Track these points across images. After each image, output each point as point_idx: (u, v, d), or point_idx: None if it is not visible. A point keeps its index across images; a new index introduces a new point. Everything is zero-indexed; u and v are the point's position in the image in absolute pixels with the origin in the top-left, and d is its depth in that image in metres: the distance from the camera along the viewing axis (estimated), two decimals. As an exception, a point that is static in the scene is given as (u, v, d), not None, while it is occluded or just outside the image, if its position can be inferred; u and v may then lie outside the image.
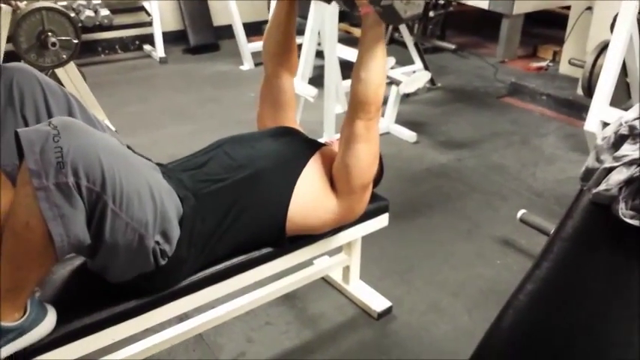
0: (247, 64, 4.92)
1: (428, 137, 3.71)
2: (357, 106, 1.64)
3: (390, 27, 5.28)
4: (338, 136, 1.92)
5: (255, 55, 4.90)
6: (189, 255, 1.51)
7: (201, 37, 5.29)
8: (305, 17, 3.48)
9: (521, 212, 2.62)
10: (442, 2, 4.97)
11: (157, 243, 1.40)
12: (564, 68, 4.56)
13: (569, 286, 1.18)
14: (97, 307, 1.48)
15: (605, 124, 2.72)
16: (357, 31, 5.70)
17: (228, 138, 1.84)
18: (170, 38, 5.19)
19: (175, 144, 3.28)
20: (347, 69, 4.27)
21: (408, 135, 3.66)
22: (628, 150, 1.20)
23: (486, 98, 4.43)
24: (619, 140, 1.24)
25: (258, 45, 5.11)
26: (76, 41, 2.90)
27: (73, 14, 3.85)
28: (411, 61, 4.47)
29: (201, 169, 1.66)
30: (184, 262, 1.51)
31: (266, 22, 5.58)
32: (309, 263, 2.17)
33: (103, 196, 1.24)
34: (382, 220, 2.07)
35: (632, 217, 1.14)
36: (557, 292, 1.19)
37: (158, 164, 1.63)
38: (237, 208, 1.58)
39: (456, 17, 5.68)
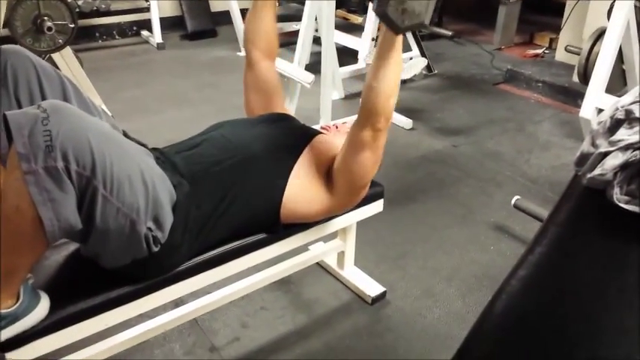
0: (244, 51, 4.89)
1: (424, 124, 3.72)
2: (366, 114, 1.58)
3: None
4: (332, 122, 1.93)
5: (251, 41, 4.88)
6: (183, 241, 1.51)
7: (198, 23, 5.27)
8: (302, 3, 3.46)
9: (515, 198, 2.64)
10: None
11: (150, 229, 1.39)
12: (560, 55, 4.56)
13: (562, 271, 1.18)
14: (91, 292, 1.48)
15: (601, 111, 2.73)
16: (354, 18, 5.67)
17: (224, 122, 1.84)
18: (168, 24, 5.17)
19: (173, 129, 3.27)
20: (344, 55, 4.27)
21: (404, 121, 3.66)
22: (624, 134, 1.20)
23: (482, 85, 4.43)
24: (615, 125, 1.24)
25: (254, 31, 5.10)
26: (72, 26, 2.88)
27: (68, -1, 3.82)
28: (408, 48, 4.46)
29: (196, 151, 1.66)
30: (178, 248, 1.51)
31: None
32: (304, 249, 2.18)
33: (93, 180, 1.23)
34: (377, 206, 2.08)
35: (627, 202, 1.15)
36: (550, 277, 1.19)
37: (153, 149, 1.63)
38: (233, 193, 1.58)
39: (453, 4, 5.66)
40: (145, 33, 5.21)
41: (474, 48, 5.16)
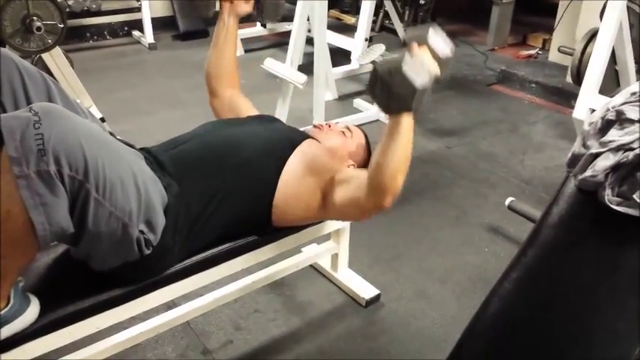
0: (237, 51, 4.87)
1: (417, 125, 3.61)
2: (373, 190, 1.50)
3: (381, 14, 5.26)
4: (316, 122, 1.92)
5: (244, 41, 4.87)
6: (174, 243, 1.49)
7: (190, 24, 5.24)
8: (294, 3, 3.45)
9: (509, 200, 2.63)
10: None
11: (142, 232, 1.38)
12: (554, 56, 4.56)
13: (554, 273, 1.18)
14: (81, 295, 1.47)
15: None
16: (347, 18, 5.67)
17: (213, 121, 1.83)
18: (159, 24, 5.14)
19: (164, 130, 3.22)
20: (337, 56, 4.26)
21: (398, 122, 3.64)
22: (615, 135, 1.19)
23: (476, 86, 4.42)
24: (606, 126, 1.23)
25: (247, 32, 5.09)
26: (61, 26, 2.85)
27: (59, -1, 3.79)
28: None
29: (184, 150, 1.64)
30: (170, 250, 1.49)
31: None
32: (297, 251, 2.17)
33: (85, 184, 1.22)
34: (370, 208, 2.06)
35: (618, 204, 1.14)
36: (542, 279, 1.19)
37: (141, 149, 1.61)
38: (222, 193, 1.57)
39: (446, 4, 5.65)
40: (136, 33, 5.18)
41: (467, 49, 5.15)
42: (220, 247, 1.67)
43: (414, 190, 2.96)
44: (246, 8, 2.04)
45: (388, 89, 1.33)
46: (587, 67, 3.09)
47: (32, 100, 1.45)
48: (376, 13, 5.01)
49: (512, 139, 3.59)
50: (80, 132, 1.22)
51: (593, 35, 3.41)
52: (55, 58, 3.03)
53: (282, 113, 3.30)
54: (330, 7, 5.11)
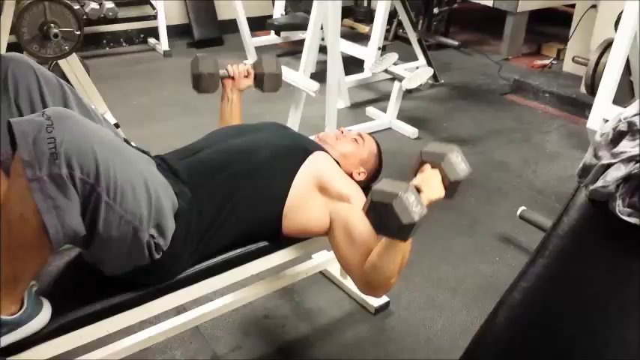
0: (251, 59, 4.91)
1: (430, 133, 3.71)
2: (366, 282, 1.55)
3: (394, 23, 5.28)
4: (326, 130, 1.93)
5: (259, 49, 4.89)
6: (185, 249, 1.50)
7: (205, 31, 5.29)
8: (308, 12, 3.47)
9: (520, 209, 2.62)
10: (446, -1, 4.98)
11: (152, 237, 1.39)
12: (568, 66, 4.54)
13: (564, 283, 1.17)
14: (92, 299, 1.48)
15: (607, 123, 2.72)
16: (361, 27, 5.69)
17: (225, 128, 1.84)
18: (175, 32, 5.19)
19: (179, 137, 3.23)
20: (350, 65, 4.28)
21: (410, 131, 3.65)
22: (626, 147, 1.19)
23: (489, 95, 4.42)
24: (617, 137, 1.22)
25: (262, 40, 5.12)
26: (78, 33, 2.89)
27: (77, 6, 3.85)
28: (414, 58, 4.47)
29: (198, 158, 1.65)
30: (180, 255, 1.51)
31: (270, 16, 5.56)
32: (307, 257, 2.18)
33: (97, 188, 1.23)
34: (381, 216, 2.06)
35: (629, 215, 1.13)
36: (551, 289, 1.18)
37: (155, 156, 1.63)
38: (234, 201, 1.58)
39: (460, 14, 5.66)
40: (151, 40, 5.23)
41: (481, 58, 5.15)
42: (230, 253, 1.67)
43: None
44: (247, 82, 2.13)
45: (380, 218, 1.36)
46: (601, 77, 3.08)
47: (48, 105, 1.47)
48: (390, 23, 5.03)
49: (525, 148, 3.58)
50: (92, 137, 1.24)
51: (607, 46, 3.41)
52: (72, 64, 3.07)
53: (294, 121, 3.32)
54: (344, 17, 5.14)
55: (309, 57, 3.46)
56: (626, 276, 1.11)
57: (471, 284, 2.35)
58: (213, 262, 1.65)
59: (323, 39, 3.54)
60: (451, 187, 1.51)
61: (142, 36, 5.29)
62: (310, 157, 1.72)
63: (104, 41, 5.13)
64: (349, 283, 2.26)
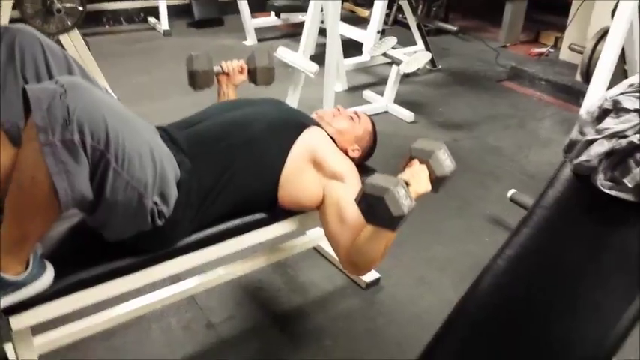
0: (250, 40, 4.94)
1: (426, 117, 3.75)
2: (351, 261, 1.62)
3: (394, 8, 5.30)
4: (318, 111, 1.99)
5: (258, 31, 4.93)
6: (185, 216, 1.55)
7: (205, 11, 5.30)
8: (309, -7, 3.50)
9: (511, 192, 2.67)
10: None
11: (155, 204, 1.44)
12: (565, 54, 4.58)
13: (545, 251, 1.23)
14: (92, 263, 1.53)
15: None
16: (361, 11, 5.71)
17: (226, 102, 1.88)
18: (175, 11, 5.21)
19: (177, 114, 3.26)
20: (349, 48, 4.31)
21: (406, 115, 3.69)
22: (610, 123, 1.25)
23: (486, 82, 4.46)
24: (602, 114, 1.28)
25: (261, 21, 5.14)
26: (81, 8, 2.93)
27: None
28: (413, 43, 4.50)
29: (197, 129, 1.70)
30: (180, 223, 1.56)
31: (270, -2, 5.47)
32: (301, 233, 2.23)
33: (106, 154, 1.28)
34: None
35: (610, 188, 1.20)
36: (532, 256, 1.24)
37: (157, 127, 1.67)
38: (232, 170, 1.63)
39: (460, 0, 5.69)
40: (151, 20, 5.25)
41: (479, 44, 5.18)
42: (227, 224, 1.72)
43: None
44: (242, 78, 2.20)
45: (372, 209, 1.43)
46: (596, 65, 3.12)
47: (54, 76, 1.51)
48: (390, 7, 5.06)
49: (519, 134, 3.63)
50: (103, 106, 1.29)
51: (603, 34, 3.45)
52: (74, 40, 3.11)
53: (292, 101, 3.36)
54: (344, 0, 5.15)
55: (308, 39, 3.49)
56: (604, 244, 1.17)
57: (460, 263, 2.40)
58: (211, 232, 1.69)
59: (323, 21, 3.56)
60: (437, 182, 1.61)
61: (142, 15, 5.31)
62: (306, 131, 1.78)
63: (104, 19, 5.15)
64: (342, 259, 2.31)
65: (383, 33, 4.45)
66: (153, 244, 1.57)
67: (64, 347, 1.74)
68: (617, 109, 1.27)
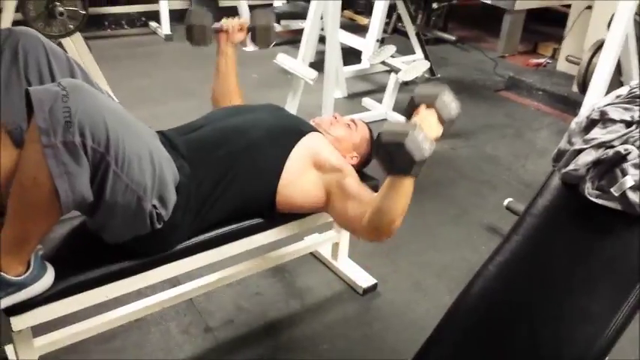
0: (251, 46, 4.95)
1: (424, 126, 3.77)
2: (372, 227, 1.60)
3: (394, 16, 5.34)
4: (322, 116, 2.01)
5: (258, 37, 4.94)
6: (183, 220, 1.58)
7: (206, 17, 5.32)
8: (308, 1, 3.53)
9: (507, 200, 2.70)
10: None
11: (154, 207, 1.46)
12: (562, 65, 4.61)
13: (535, 257, 1.26)
14: (92, 266, 1.55)
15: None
16: (360, 19, 5.75)
17: (224, 107, 1.91)
18: (176, 16, 5.22)
19: (176, 119, 3.28)
20: (349, 55, 4.34)
21: (405, 122, 3.71)
22: (597, 133, 1.28)
23: (484, 91, 4.49)
24: (590, 124, 1.32)
25: (262, 27, 5.16)
26: (83, 12, 2.96)
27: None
28: (412, 51, 4.53)
29: (197, 134, 1.73)
30: (179, 227, 1.58)
31: (271, 4, 5.59)
32: (299, 239, 2.25)
33: (106, 157, 1.30)
34: (372, 200, 2.14)
35: (597, 197, 1.23)
36: (523, 263, 1.27)
37: (157, 132, 1.70)
38: (231, 176, 1.65)
39: (459, 10, 5.73)
40: (153, 24, 5.28)
41: (477, 54, 5.22)
42: (225, 228, 1.74)
43: (416, 188, 2.98)
44: (241, 36, 2.20)
45: (390, 158, 1.42)
46: (592, 77, 3.15)
47: (57, 78, 1.53)
48: (389, 16, 5.09)
49: (516, 143, 3.66)
50: (104, 109, 1.31)
51: (599, 46, 3.48)
52: (76, 43, 3.13)
53: (291, 108, 3.39)
54: (344, 8, 5.18)
55: (308, 46, 3.52)
56: (591, 252, 1.20)
57: (456, 270, 2.43)
58: (209, 236, 1.72)
59: (322, 29, 3.60)
60: (446, 125, 1.57)
61: (143, 19, 5.33)
62: (305, 137, 1.80)
63: (106, 23, 5.17)
64: (339, 265, 2.34)
65: (382, 41, 4.49)
66: (152, 247, 1.60)
67: (63, 349, 1.75)
68: (604, 119, 1.30)
